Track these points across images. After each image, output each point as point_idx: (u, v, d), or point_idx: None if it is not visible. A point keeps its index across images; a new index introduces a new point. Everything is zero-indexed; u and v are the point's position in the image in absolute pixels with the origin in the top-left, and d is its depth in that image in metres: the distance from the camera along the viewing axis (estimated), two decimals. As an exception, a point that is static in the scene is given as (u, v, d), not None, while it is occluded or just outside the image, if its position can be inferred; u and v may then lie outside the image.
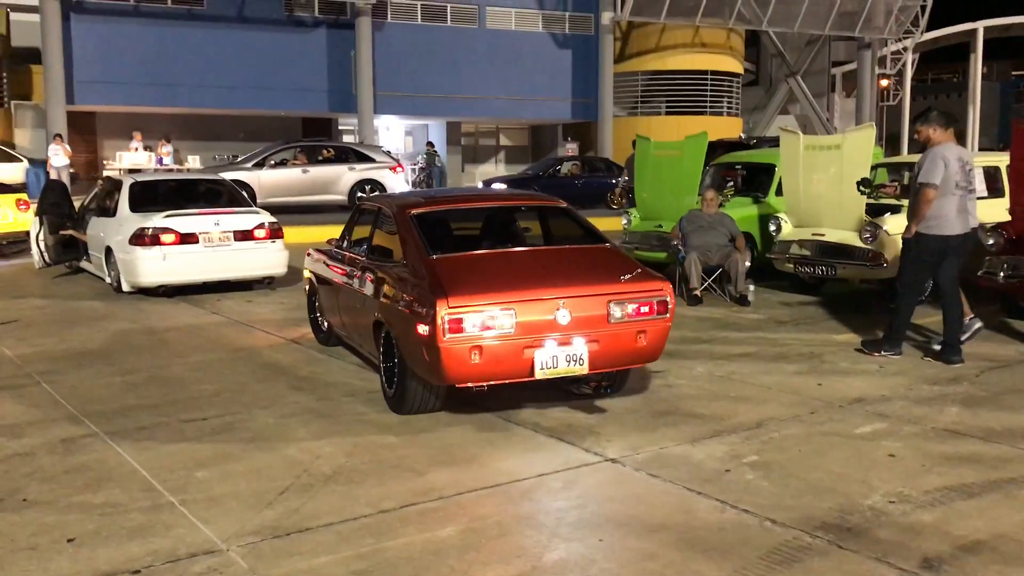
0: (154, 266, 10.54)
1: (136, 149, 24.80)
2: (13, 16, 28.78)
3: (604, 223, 19.32)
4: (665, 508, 4.36)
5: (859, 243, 9.44)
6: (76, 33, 24.86)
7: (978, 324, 7.54)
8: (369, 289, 6.41)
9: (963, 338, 7.28)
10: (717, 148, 17.16)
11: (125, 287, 10.82)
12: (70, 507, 4.45)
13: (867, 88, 36.17)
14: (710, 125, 25.65)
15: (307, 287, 8.33)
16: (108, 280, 11.29)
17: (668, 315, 5.78)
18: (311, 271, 8.13)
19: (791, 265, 10.15)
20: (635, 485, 4.68)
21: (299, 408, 6.13)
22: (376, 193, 18.54)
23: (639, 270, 5.94)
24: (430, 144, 31.38)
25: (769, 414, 5.86)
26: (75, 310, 10.10)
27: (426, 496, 4.53)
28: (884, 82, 40.49)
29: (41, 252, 12.31)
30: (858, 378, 6.78)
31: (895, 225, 8.95)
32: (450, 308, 5.27)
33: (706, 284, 10.17)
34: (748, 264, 10.19)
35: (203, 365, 7.44)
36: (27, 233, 13.39)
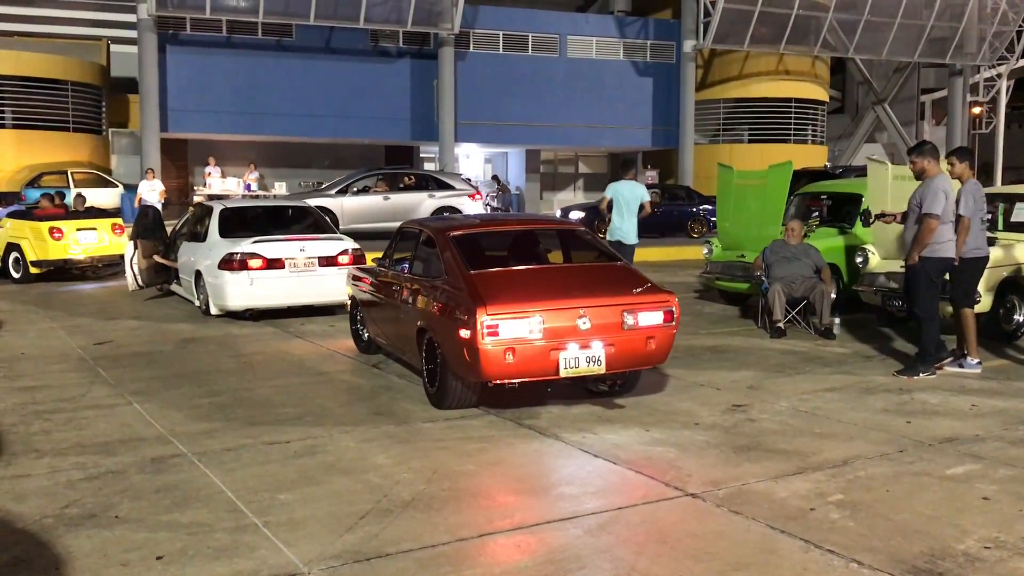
0: (241, 290, 10.83)
1: (211, 173, 25.30)
2: (113, 48, 30.12)
3: (685, 252, 19.41)
4: (747, 546, 4.27)
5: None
6: (171, 64, 25.85)
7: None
8: (413, 300, 7.14)
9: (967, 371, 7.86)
10: (801, 177, 16.92)
11: (213, 310, 11.13)
12: (159, 525, 4.57)
13: (958, 116, 35.19)
14: (794, 153, 25.35)
15: (348, 303, 9.24)
16: (197, 303, 11.63)
17: (674, 323, 6.50)
18: (354, 288, 8.92)
19: (878, 298, 9.90)
20: (716, 521, 4.60)
21: (379, 433, 6.20)
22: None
23: (648, 284, 6.64)
24: (495, 178, 31.68)
25: (855, 452, 5.71)
26: (165, 332, 10.41)
27: (504, 525, 4.53)
28: (976, 109, 39.31)
29: (134, 275, 12.76)
30: (949, 416, 6.56)
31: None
32: (488, 315, 6.00)
33: (790, 316, 9.99)
34: (834, 296, 9.98)
35: (287, 388, 7.59)
36: (121, 256, 13.89)
